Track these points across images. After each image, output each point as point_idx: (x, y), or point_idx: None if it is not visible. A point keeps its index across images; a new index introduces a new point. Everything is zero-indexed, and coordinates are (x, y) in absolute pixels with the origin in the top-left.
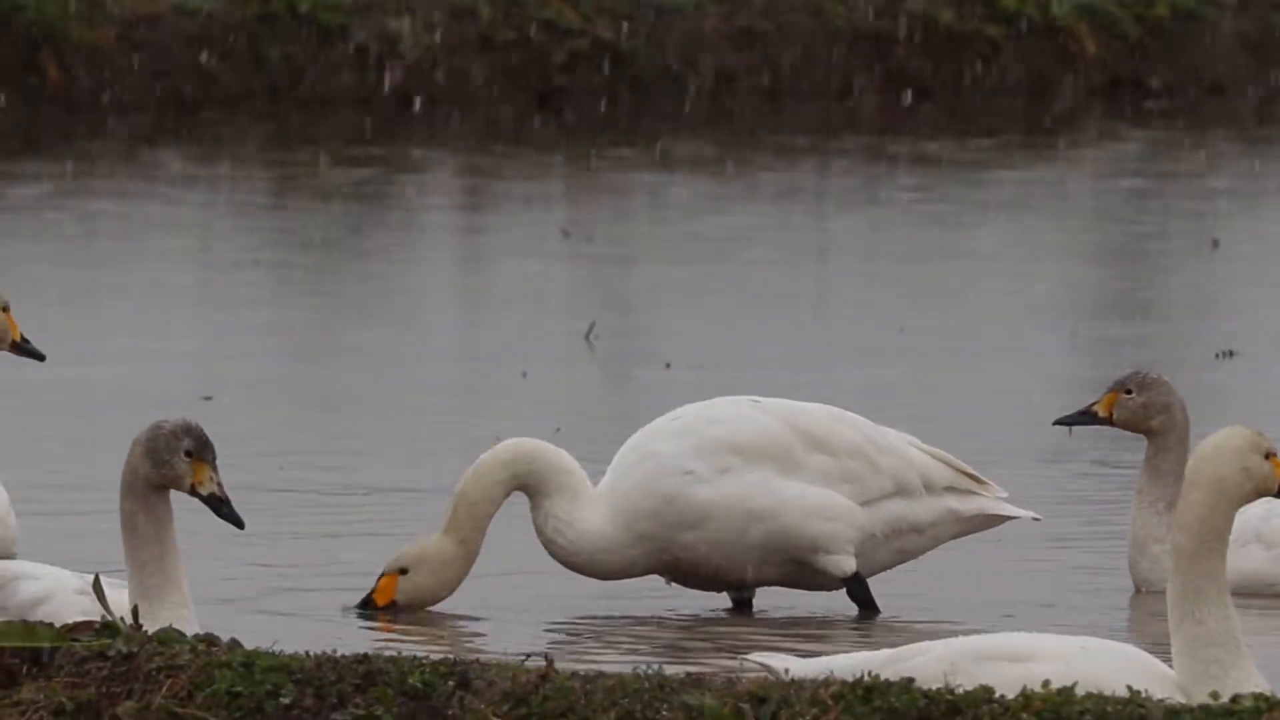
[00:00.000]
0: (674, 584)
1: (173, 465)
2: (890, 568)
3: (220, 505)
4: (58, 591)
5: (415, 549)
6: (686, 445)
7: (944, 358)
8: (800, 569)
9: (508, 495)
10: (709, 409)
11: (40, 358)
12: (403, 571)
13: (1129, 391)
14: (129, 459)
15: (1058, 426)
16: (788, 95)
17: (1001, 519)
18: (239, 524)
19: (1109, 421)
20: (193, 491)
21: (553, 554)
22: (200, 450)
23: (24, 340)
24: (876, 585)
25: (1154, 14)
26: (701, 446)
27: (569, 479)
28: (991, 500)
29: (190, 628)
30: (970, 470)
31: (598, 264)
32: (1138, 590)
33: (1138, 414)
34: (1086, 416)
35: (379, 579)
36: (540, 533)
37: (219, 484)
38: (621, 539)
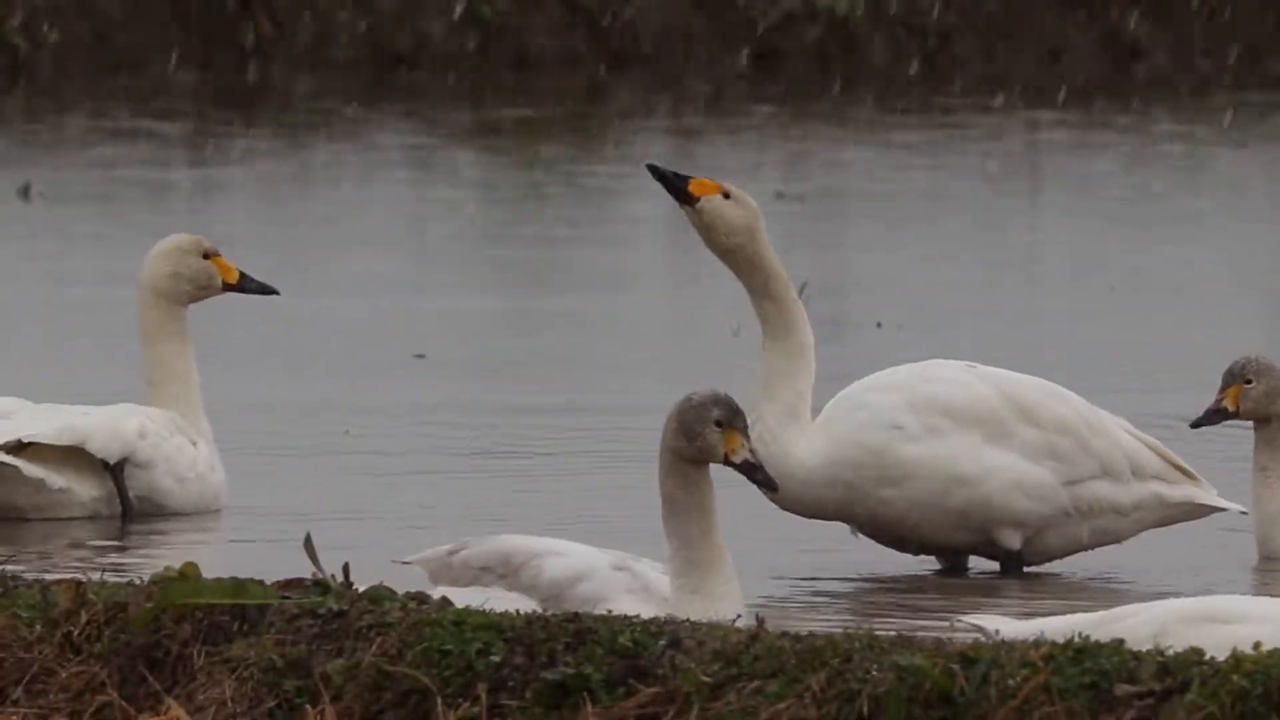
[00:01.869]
0: (859, 535)
1: (705, 436)
2: (1091, 548)
3: (754, 471)
4: (595, 569)
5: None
6: (898, 400)
7: (1154, 319)
8: (979, 540)
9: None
10: (925, 368)
11: (272, 292)
12: (725, 195)
13: (1249, 381)
14: (664, 437)
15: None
16: (1000, 52)
17: (1209, 509)
18: (773, 486)
19: (1237, 414)
20: (726, 460)
21: None
22: (731, 419)
23: (244, 279)
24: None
25: None
26: (913, 403)
27: (794, 396)
28: (1200, 490)
29: (739, 602)
30: (1181, 462)
31: (811, 223)
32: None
33: (1261, 401)
34: (1219, 415)
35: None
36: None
37: (751, 450)
38: (819, 478)
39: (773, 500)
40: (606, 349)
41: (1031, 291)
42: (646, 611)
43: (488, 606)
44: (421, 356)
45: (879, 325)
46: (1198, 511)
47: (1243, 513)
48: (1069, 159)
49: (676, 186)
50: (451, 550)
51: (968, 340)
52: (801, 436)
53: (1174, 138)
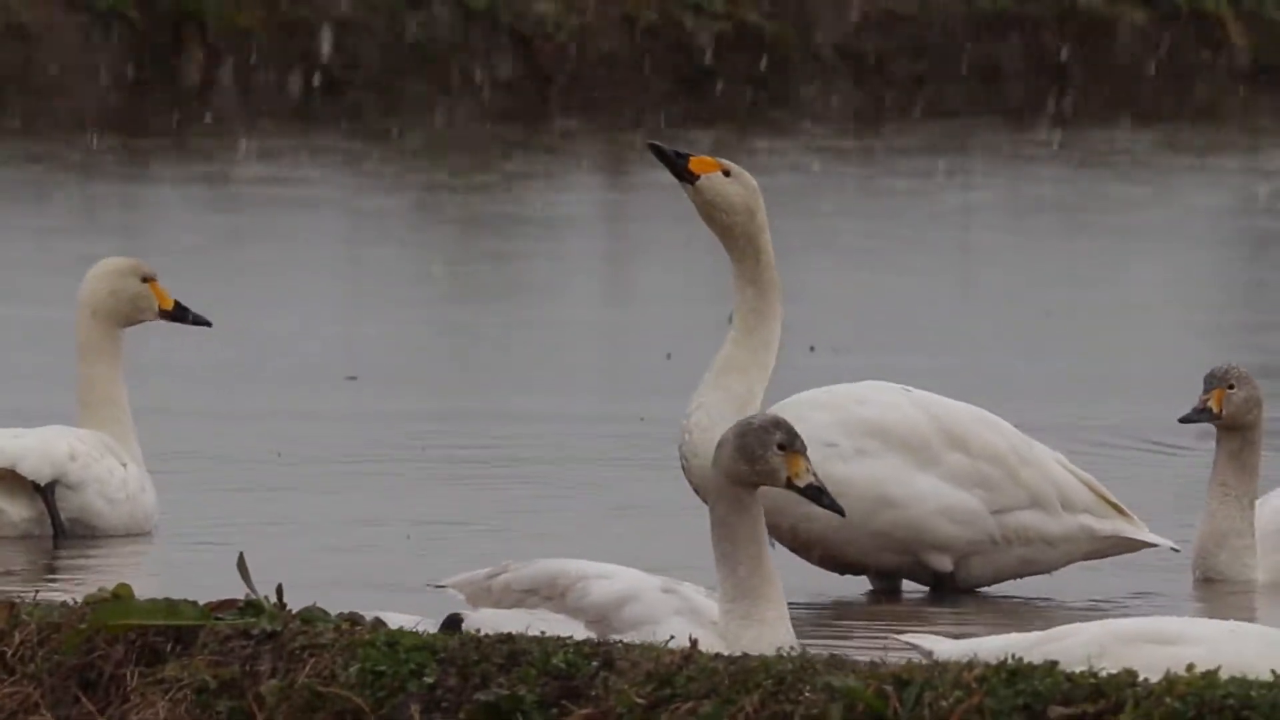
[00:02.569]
0: (776, 546)
1: (767, 460)
2: (1018, 576)
3: (820, 495)
4: (643, 591)
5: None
6: (831, 419)
7: (1090, 341)
8: (906, 561)
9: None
10: (860, 389)
11: (205, 324)
12: (726, 173)
13: (1231, 386)
14: (716, 461)
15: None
16: (931, 78)
17: (1139, 544)
18: (840, 511)
19: (1219, 418)
20: (789, 485)
21: (682, 443)
22: (791, 442)
23: (180, 308)
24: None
25: None
26: (845, 423)
27: (745, 390)
28: (1130, 525)
29: (789, 629)
30: (1113, 498)
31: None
32: (1206, 581)
33: (1241, 408)
34: (1204, 414)
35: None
36: (686, 419)
37: (814, 474)
38: None
39: (696, 491)
40: (539, 364)
41: (966, 314)
42: (697, 635)
43: (534, 629)
44: (354, 379)
45: (812, 349)
46: (1127, 545)
47: (1174, 549)
48: (1004, 180)
49: (677, 164)
50: (490, 574)
51: (902, 363)
52: None
53: (1109, 158)
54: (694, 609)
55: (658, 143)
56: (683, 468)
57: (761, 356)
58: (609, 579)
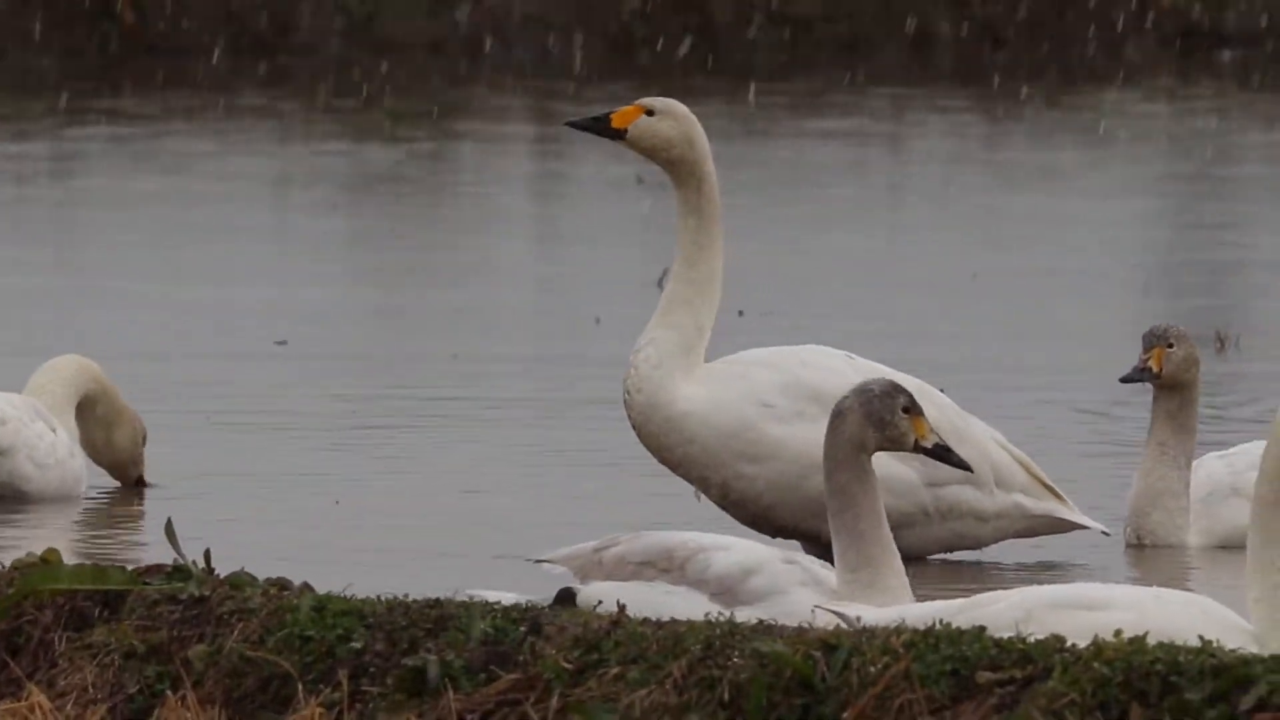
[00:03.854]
0: (702, 499)
1: (895, 424)
2: (949, 550)
3: (948, 454)
4: (766, 562)
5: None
6: (774, 379)
7: (1016, 306)
8: None
9: None
10: (805, 352)
11: None
12: (649, 113)
13: (1171, 345)
14: (838, 431)
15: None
16: (863, 43)
17: (1070, 525)
18: (968, 468)
19: (1159, 377)
20: (916, 446)
21: (627, 377)
22: (914, 405)
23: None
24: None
25: None
26: (786, 385)
27: (693, 326)
28: (1063, 506)
29: (909, 596)
30: (1047, 479)
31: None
32: (1139, 543)
33: (1180, 367)
34: (1145, 373)
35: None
36: (635, 354)
37: (938, 434)
38: (686, 428)
39: (636, 430)
40: (469, 337)
41: (893, 278)
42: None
43: (657, 601)
44: (283, 343)
45: (740, 313)
46: (1059, 526)
47: (1105, 533)
48: (933, 145)
49: (599, 127)
50: (598, 547)
51: (829, 327)
52: (688, 376)
53: (1037, 126)
54: (817, 580)
55: (571, 120)
56: (625, 403)
57: (705, 288)
58: (728, 550)
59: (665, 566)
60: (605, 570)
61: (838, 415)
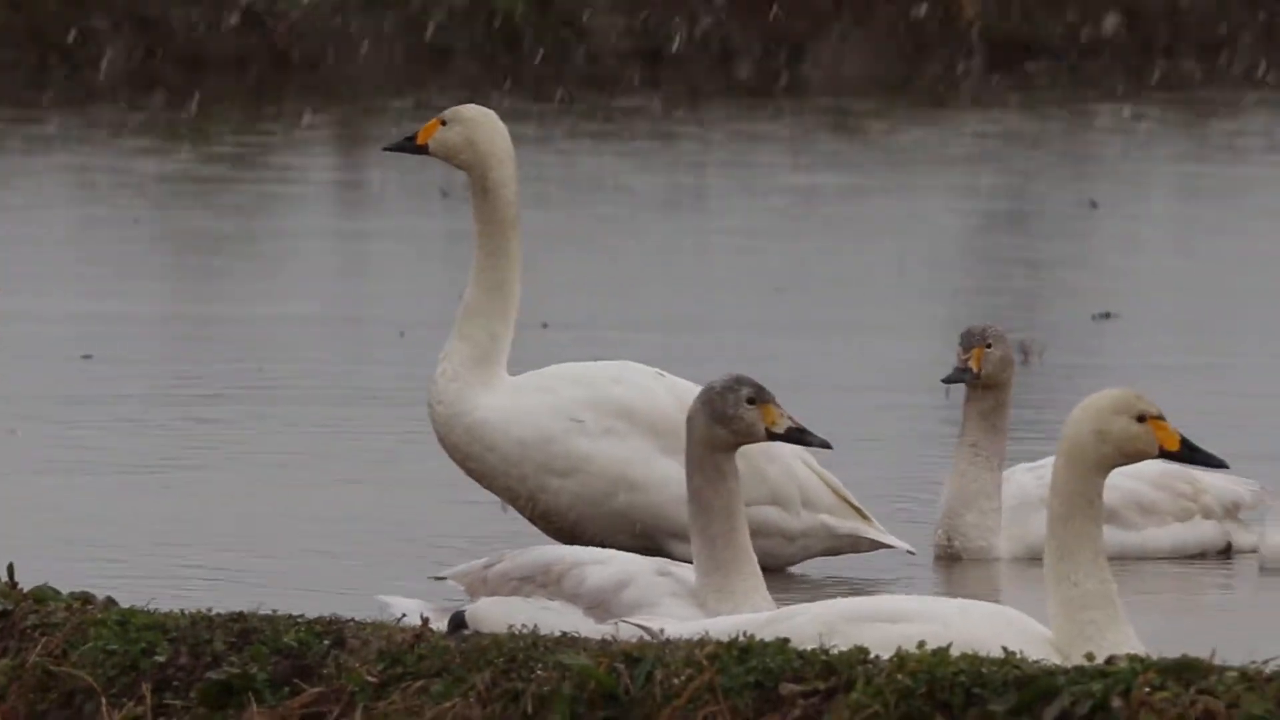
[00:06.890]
0: (509, 511)
1: (742, 417)
2: None
3: (804, 435)
4: (638, 575)
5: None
6: (584, 395)
7: (821, 320)
8: (642, 545)
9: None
10: (614, 368)
11: None
12: (444, 123)
13: (989, 345)
14: (690, 433)
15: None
16: (667, 58)
17: (875, 545)
18: (827, 445)
19: (978, 377)
20: (769, 434)
21: (429, 392)
22: (760, 394)
23: None
24: None
25: None
26: (596, 400)
27: (487, 337)
28: (868, 526)
29: (766, 599)
30: (855, 501)
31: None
32: (949, 544)
33: (998, 366)
34: (965, 374)
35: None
36: (435, 367)
37: (790, 417)
38: (489, 438)
39: (440, 440)
40: (277, 350)
41: (699, 292)
42: (691, 615)
43: (534, 617)
44: (89, 357)
45: (545, 325)
46: (864, 545)
47: (910, 552)
48: (736, 153)
49: (410, 146)
50: (487, 564)
51: (635, 341)
52: (488, 386)
53: (837, 131)
54: (690, 590)
55: (386, 145)
56: (429, 416)
57: (497, 299)
58: (604, 564)
59: (543, 581)
60: (490, 587)
61: (689, 420)
